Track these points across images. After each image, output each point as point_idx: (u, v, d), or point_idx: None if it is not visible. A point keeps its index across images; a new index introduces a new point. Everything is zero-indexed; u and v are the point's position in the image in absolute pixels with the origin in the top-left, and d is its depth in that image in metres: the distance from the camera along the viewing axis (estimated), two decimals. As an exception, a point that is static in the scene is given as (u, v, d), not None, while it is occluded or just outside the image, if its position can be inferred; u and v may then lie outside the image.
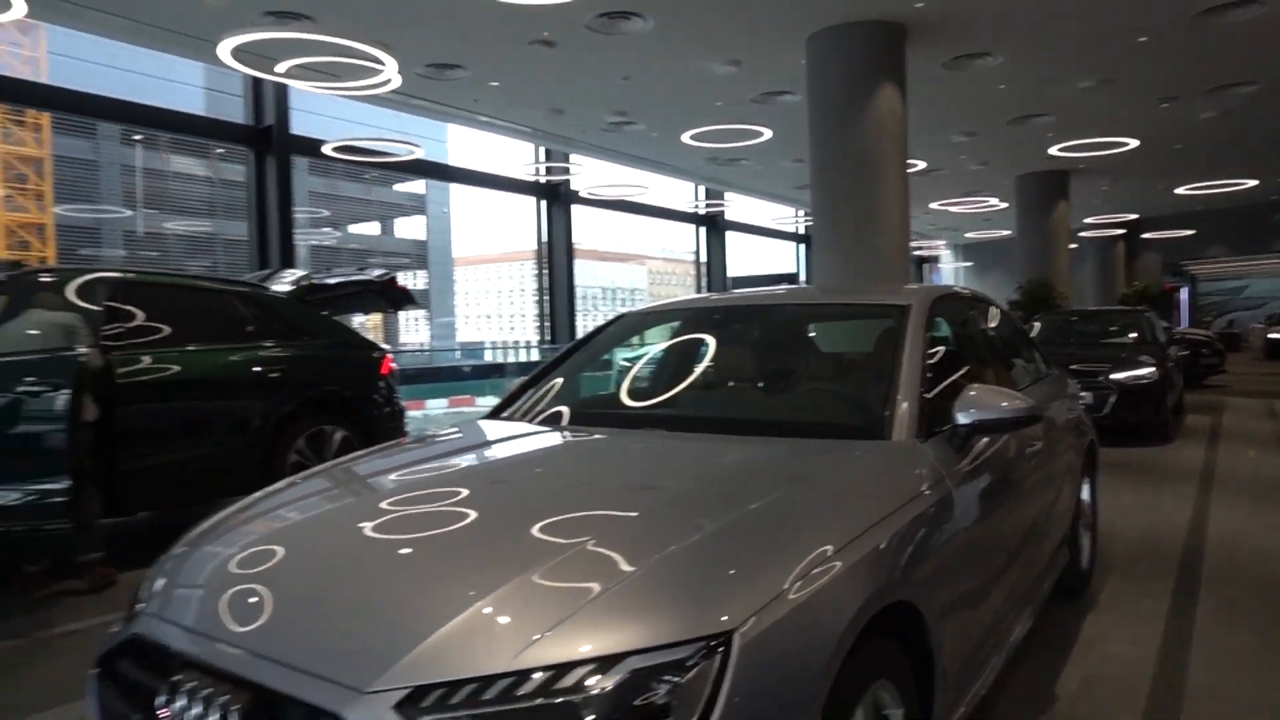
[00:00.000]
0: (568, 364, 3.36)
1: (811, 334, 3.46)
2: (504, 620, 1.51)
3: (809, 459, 2.28)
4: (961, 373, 2.89)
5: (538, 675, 1.40)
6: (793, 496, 2.01)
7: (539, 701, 1.38)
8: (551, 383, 3.24)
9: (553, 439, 2.81)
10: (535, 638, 1.45)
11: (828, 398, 2.98)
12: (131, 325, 5.12)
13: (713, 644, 1.44)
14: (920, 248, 31.60)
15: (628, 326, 3.56)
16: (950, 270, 31.93)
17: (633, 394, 3.19)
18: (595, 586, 1.55)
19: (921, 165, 14.97)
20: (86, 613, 4.12)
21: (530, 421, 2.99)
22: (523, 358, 22.86)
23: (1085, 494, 4.12)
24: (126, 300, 5.17)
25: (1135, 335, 10.22)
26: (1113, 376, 8.70)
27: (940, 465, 2.32)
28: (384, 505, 2.16)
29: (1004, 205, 19.36)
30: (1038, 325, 11.02)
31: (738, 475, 2.17)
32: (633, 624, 1.47)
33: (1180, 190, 19.02)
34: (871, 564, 1.80)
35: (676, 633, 1.44)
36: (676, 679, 1.40)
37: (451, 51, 9.20)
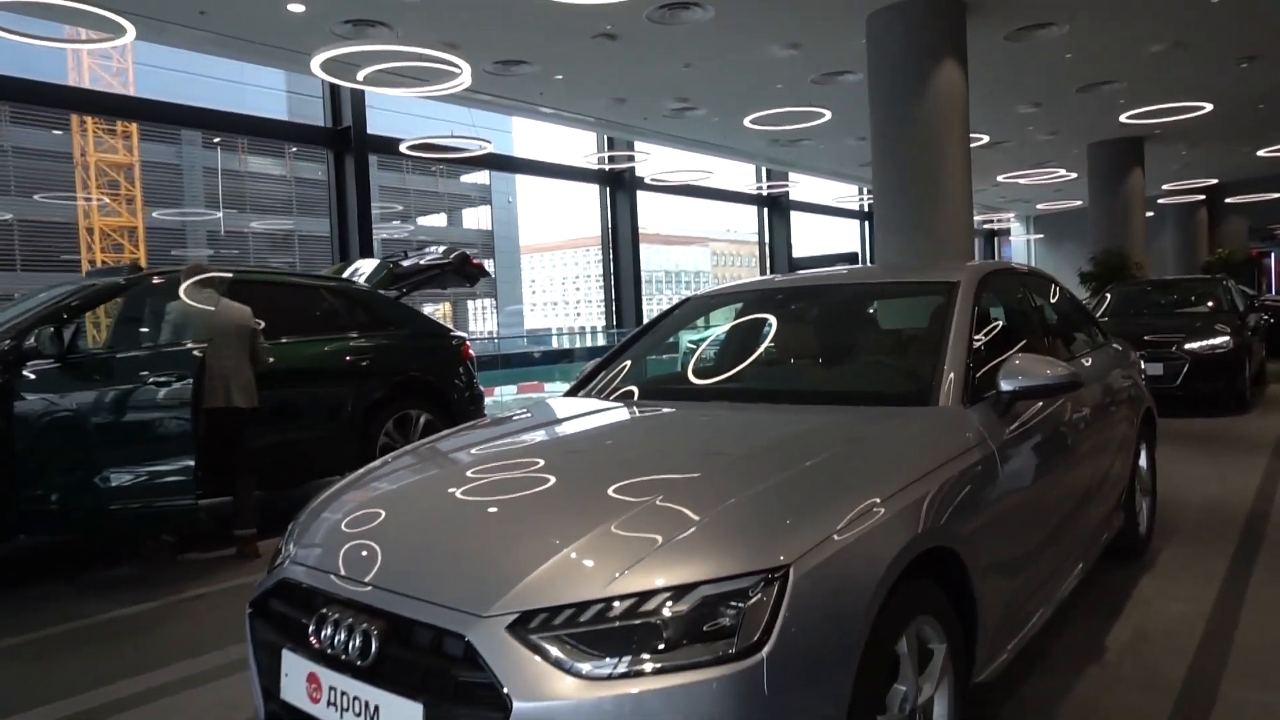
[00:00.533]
0: (638, 346, 3.63)
1: (871, 310, 3.66)
2: (589, 562, 1.78)
3: (861, 424, 2.50)
4: (1008, 343, 3.06)
5: (624, 602, 1.67)
6: (844, 456, 2.24)
7: (624, 623, 1.65)
8: (623, 363, 3.51)
9: (625, 413, 3.08)
10: (617, 574, 1.72)
11: (881, 369, 3.19)
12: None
13: (771, 576, 1.69)
14: (990, 221, 30.96)
15: (693, 309, 3.82)
16: (1021, 243, 31.21)
17: (699, 371, 3.44)
18: (667, 533, 1.81)
19: (984, 139, 14.76)
20: (213, 580, 4.58)
21: (604, 398, 3.27)
22: (589, 343, 23.28)
23: (1143, 461, 4.23)
24: (231, 298, 5.62)
25: (1211, 304, 10.03)
26: (1186, 346, 8.61)
27: (984, 428, 2.52)
28: (485, 470, 2.46)
29: (1073, 175, 18.91)
30: (1109, 297, 10.88)
31: (794, 439, 2.40)
32: (702, 560, 1.73)
33: (1262, 153, 18.28)
34: (913, 513, 2.03)
35: (740, 566, 1.70)
36: (740, 605, 1.66)
37: (517, 48, 9.52)
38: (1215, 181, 22.62)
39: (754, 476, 2.08)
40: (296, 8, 7.84)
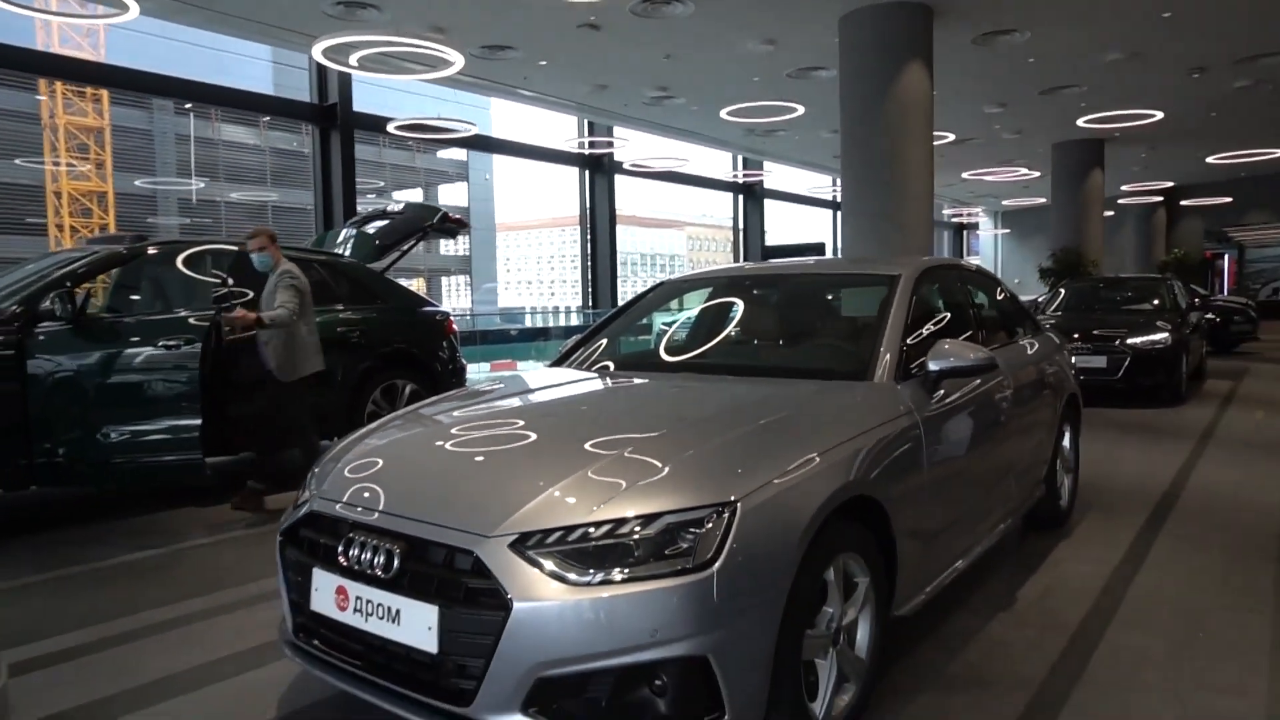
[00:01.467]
0: (615, 324, 4.03)
1: (825, 297, 4.08)
2: (572, 499, 2.18)
3: (806, 394, 2.92)
4: (941, 330, 3.50)
5: (602, 526, 2.07)
6: (790, 419, 2.66)
7: (604, 542, 2.06)
8: (600, 340, 3.91)
9: (601, 381, 3.48)
10: (595, 507, 2.12)
11: (828, 349, 3.62)
12: (232, 289, 5.87)
13: (722, 510, 2.10)
14: (960, 215, 31.65)
15: (665, 292, 4.21)
16: (989, 237, 31.96)
17: (669, 347, 3.84)
18: (637, 476, 2.20)
19: (950, 137, 15.27)
20: (213, 532, 4.92)
21: (582, 370, 3.66)
22: (563, 322, 23.59)
23: (1066, 442, 4.70)
24: (230, 269, 5.91)
25: (1156, 302, 10.59)
26: (1127, 341, 9.14)
27: (912, 401, 2.95)
28: (488, 424, 2.84)
29: (1036, 174, 19.53)
30: (1063, 292, 11.43)
31: (748, 405, 2.81)
32: (666, 496, 2.13)
33: (1210, 159, 19.01)
34: (844, 466, 2.45)
35: (697, 500, 2.11)
36: (697, 531, 2.07)
37: (504, 34, 9.81)
38: (1172, 184, 23.41)
39: (712, 433, 2.49)
40: (290, -12, 8.09)
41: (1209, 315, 13.45)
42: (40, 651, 3.24)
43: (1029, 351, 4.32)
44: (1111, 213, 21.13)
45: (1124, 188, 22.92)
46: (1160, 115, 13.76)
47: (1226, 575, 3.88)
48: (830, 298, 4.04)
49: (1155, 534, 4.51)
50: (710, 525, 2.08)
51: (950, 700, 2.74)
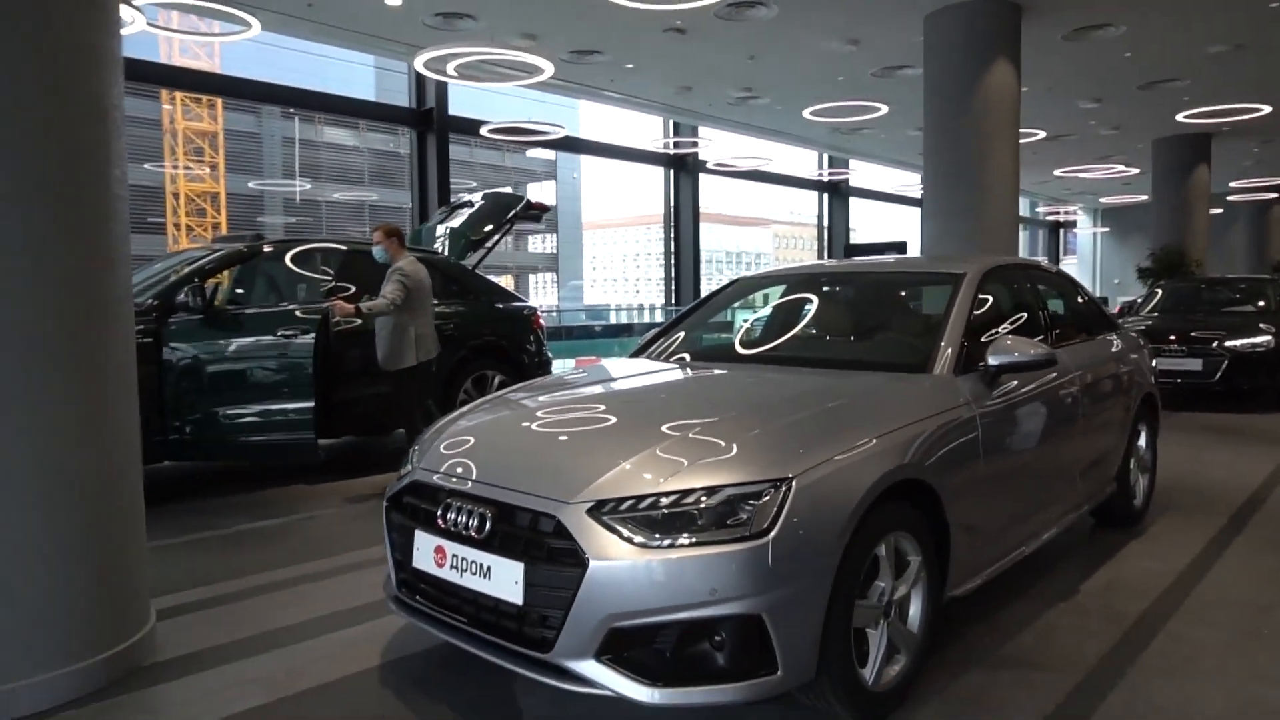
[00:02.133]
0: (692, 318, 4.26)
1: (893, 294, 4.22)
2: (645, 473, 2.42)
3: (868, 384, 3.10)
4: (1003, 326, 3.62)
5: (671, 495, 2.31)
6: (851, 406, 2.85)
7: (672, 510, 2.30)
8: (678, 333, 4.15)
9: (677, 371, 3.72)
10: (663, 480, 2.36)
11: (892, 343, 3.77)
12: (338, 284, 6.33)
13: (778, 484, 2.32)
14: (1056, 213, 30.68)
15: (739, 289, 4.42)
16: (1087, 236, 30.86)
17: (742, 340, 4.05)
18: (701, 454, 2.43)
19: (1041, 135, 14.91)
20: (319, 506, 5.36)
21: (660, 360, 3.91)
22: (646, 319, 23.92)
23: (1141, 441, 4.70)
24: (337, 265, 6.38)
25: (1261, 303, 10.21)
26: (1226, 343, 8.86)
27: (970, 394, 3.09)
28: (568, 408, 3.12)
29: (1134, 171, 18.83)
30: (1160, 293, 11.11)
31: (811, 393, 3.00)
32: (728, 471, 2.36)
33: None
34: (900, 450, 2.63)
35: (756, 475, 2.33)
36: (755, 503, 2.29)
37: (592, 40, 10.16)
38: (1287, 179, 22.19)
39: (775, 416, 2.71)
40: (394, 1, 8.58)
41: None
42: (179, 601, 3.67)
43: (1100, 350, 4.36)
44: (1220, 210, 20.22)
45: (1233, 184, 21.85)
46: (1268, 109, 13.17)
47: (1301, 576, 3.86)
48: (900, 294, 4.18)
49: (1233, 536, 4.49)
50: (767, 498, 2.29)
51: (999, 678, 2.88)
